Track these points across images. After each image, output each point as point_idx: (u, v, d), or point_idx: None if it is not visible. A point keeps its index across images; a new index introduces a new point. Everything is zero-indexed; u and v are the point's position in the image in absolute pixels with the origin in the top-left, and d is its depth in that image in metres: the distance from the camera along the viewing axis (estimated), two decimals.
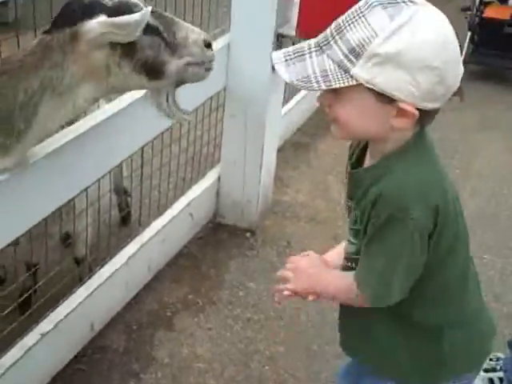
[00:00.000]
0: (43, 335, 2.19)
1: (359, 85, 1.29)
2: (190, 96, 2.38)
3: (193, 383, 2.38)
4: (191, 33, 1.75)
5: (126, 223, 3.12)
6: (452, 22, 1.33)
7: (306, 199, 3.54)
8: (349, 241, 1.53)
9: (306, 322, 2.70)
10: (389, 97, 1.30)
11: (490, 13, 5.24)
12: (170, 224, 2.86)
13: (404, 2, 1.27)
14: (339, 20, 1.31)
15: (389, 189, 1.36)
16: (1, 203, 1.78)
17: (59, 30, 1.63)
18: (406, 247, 1.37)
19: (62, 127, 1.95)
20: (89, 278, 2.45)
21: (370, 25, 1.26)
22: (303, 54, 1.34)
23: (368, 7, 1.27)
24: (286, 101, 3.88)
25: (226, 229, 3.23)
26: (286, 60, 1.35)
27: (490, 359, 2.40)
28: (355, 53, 1.27)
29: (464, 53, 5.21)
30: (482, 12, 5.25)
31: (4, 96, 1.64)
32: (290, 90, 3.98)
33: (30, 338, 2.17)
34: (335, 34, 1.30)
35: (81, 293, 2.38)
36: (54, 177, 1.96)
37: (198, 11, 2.85)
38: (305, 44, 1.35)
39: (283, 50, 1.37)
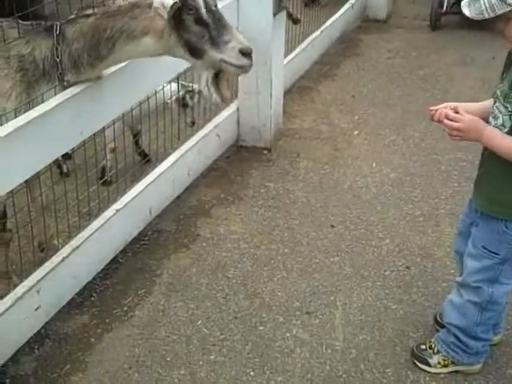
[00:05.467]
0: (118, 210, 2.96)
1: None
2: None
3: (230, 247, 3.13)
4: (234, 39, 2.27)
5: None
6: None
7: (310, 125, 4.28)
8: (494, 116, 2.13)
9: (315, 203, 3.45)
10: None
11: None
12: (202, 140, 3.62)
13: None
14: None
15: None
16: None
17: None
18: None
19: None
20: (145, 175, 3.22)
21: None
22: None
23: None
24: (289, 51, 4.64)
25: (247, 149, 3.99)
26: (469, 3, 1.99)
27: None
28: None
29: (445, 5, 5.94)
30: None
31: (98, 29, 2.35)
32: (292, 44, 4.75)
33: (108, 212, 2.94)
34: None
35: (141, 184, 3.15)
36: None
37: None
38: None
39: None
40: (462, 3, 2.03)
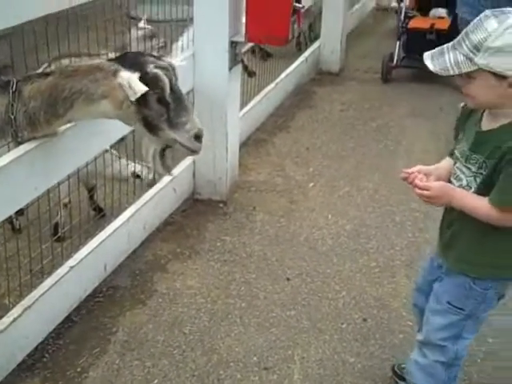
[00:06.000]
0: (71, 267, 2.91)
1: (480, 69, 1.91)
2: None
3: (186, 302, 3.10)
4: (190, 123, 2.31)
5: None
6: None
7: (266, 178, 4.31)
8: (457, 178, 2.14)
9: (271, 257, 3.45)
10: (502, 75, 1.91)
11: (414, 24, 6.15)
12: (158, 194, 3.61)
13: (510, 12, 1.91)
14: (467, 28, 1.94)
15: None
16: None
17: (112, 63, 2.32)
18: None
19: None
20: (100, 230, 3.19)
21: (486, 29, 1.89)
22: (443, 52, 1.96)
23: (485, 18, 1.91)
24: (244, 103, 4.70)
25: (203, 202, 3.98)
26: (432, 57, 1.98)
27: None
28: (476, 48, 1.90)
29: (395, 59, 6.12)
30: (407, 24, 6.16)
31: (56, 89, 2.32)
32: (247, 96, 4.82)
33: (61, 270, 2.89)
34: (464, 37, 1.94)
35: (96, 239, 3.11)
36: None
37: None
38: (444, 46, 1.98)
39: (431, 51, 2.00)
40: (425, 56, 2.01)
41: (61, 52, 3.18)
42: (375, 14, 8.17)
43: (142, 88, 2.19)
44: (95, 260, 3.09)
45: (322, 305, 3.09)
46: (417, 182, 2.14)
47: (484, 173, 2.05)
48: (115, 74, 2.26)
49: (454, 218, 2.19)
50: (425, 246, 3.54)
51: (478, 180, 2.08)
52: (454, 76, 1.98)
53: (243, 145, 4.56)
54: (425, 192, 2.11)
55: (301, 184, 4.23)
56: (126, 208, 3.44)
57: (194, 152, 2.40)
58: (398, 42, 6.15)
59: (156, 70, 2.26)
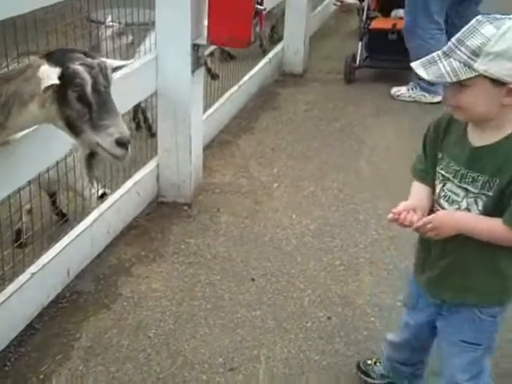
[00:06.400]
0: (33, 274, 2.88)
1: (479, 75, 1.84)
2: (125, 99, 3.18)
3: (151, 305, 3.09)
4: (114, 126, 2.16)
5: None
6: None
7: (231, 179, 4.32)
8: (450, 200, 2.02)
9: (236, 258, 3.45)
10: (500, 81, 1.84)
11: (376, 24, 6.21)
12: (121, 198, 3.59)
13: (504, 18, 1.85)
14: (458, 35, 1.88)
15: None
16: None
17: (40, 59, 2.21)
18: None
19: None
20: (63, 235, 3.16)
21: (483, 34, 1.83)
22: (435, 61, 1.90)
23: (479, 23, 1.85)
24: (208, 106, 4.70)
25: (168, 205, 3.97)
26: (423, 66, 1.91)
27: None
28: (475, 53, 1.83)
29: (358, 59, 6.17)
30: (369, 25, 6.21)
31: None
32: (211, 99, 4.82)
33: (23, 276, 2.85)
34: (457, 44, 1.87)
35: (59, 245, 3.09)
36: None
37: None
38: (434, 54, 1.91)
39: (420, 61, 1.93)
40: (414, 65, 1.94)
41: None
42: (338, 15, 8.21)
43: (52, 79, 2.10)
44: (58, 265, 3.06)
45: (287, 304, 3.10)
46: (414, 219, 2.02)
47: (490, 193, 1.94)
48: (39, 68, 2.18)
49: (450, 247, 2.04)
50: (388, 243, 3.57)
51: (482, 201, 1.96)
52: (447, 86, 1.94)
53: (207, 147, 4.56)
54: (428, 226, 1.99)
55: (265, 185, 4.24)
56: (89, 212, 3.41)
57: (116, 158, 2.24)
58: (360, 43, 6.18)
59: (77, 67, 2.16)
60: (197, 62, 3.81)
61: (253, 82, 5.70)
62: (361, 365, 2.68)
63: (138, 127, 4.89)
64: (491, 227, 1.95)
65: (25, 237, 3.31)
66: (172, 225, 3.77)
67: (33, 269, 2.91)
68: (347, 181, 4.27)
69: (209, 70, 5.55)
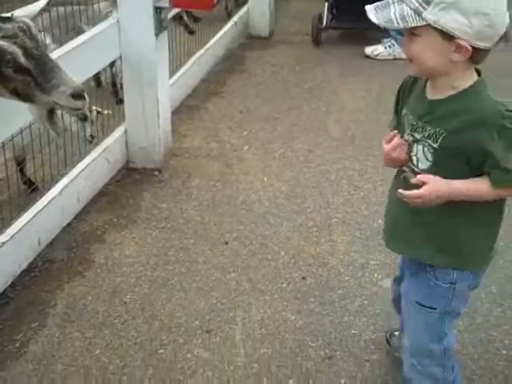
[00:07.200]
0: (3, 243, 2.84)
1: (428, 25, 1.74)
2: (88, 64, 3.11)
3: (126, 271, 3.07)
4: (62, 84, 2.15)
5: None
6: None
7: (201, 144, 4.29)
8: (417, 158, 1.93)
9: (208, 221, 3.45)
10: (450, 35, 1.73)
11: None
12: (91, 165, 3.54)
13: None
14: None
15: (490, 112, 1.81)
16: None
17: None
18: None
19: None
20: (33, 203, 3.12)
21: None
22: (388, 4, 1.79)
23: None
24: (174, 70, 4.64)
25: (138, 171, 3.94)
26: (375, 9, 1.81)
27: None
28: (427, 1, 1.72)
29: (324, 21, 6.12)
30: None
31: None
32: (177, 63, 4.76)
33: None
34: None
35: (28, 213, 3.04)
36: None
37: None
38: None
39: (374, 4, 1.82)
40: (368, 8, 1.84)
41: None
42: None
43: None
44: (28, 234, 3.03)
45: (261, 266, 3.11)
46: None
47: (435, 145, 1.88)
48: None
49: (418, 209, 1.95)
50: (360, 203, 3.59)
51: (430, 153, 1.90)
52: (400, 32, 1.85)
53: (176, 112, 4.51)
54: (420, 197, 1.89)
55: (236, 148, 4.22)
56: (58, 180, 3.37)
57: (77, 110, 2.26)
58: (325, 3, 6.13)
59: (1, 43, 2.10)
60: (160, 26, 3.74)
61: (219, 45, 5.64)
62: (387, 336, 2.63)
63: (99, 85, 4.86)
64: (479, 191, 1.87)
65: None
66: (143, 190, 3.74)
67: (2, 238, 2.87)
68: (317, 142, 4.27)
69: (186, 26, 5.50)
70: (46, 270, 3.06)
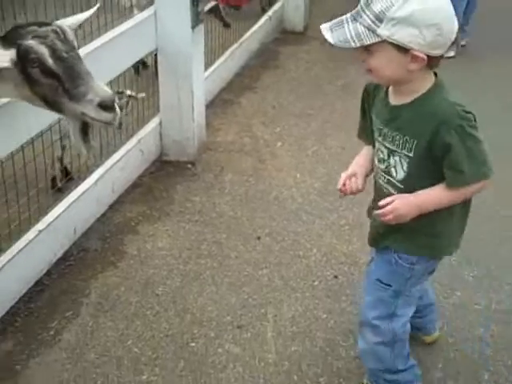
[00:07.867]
0: (40, 231, 2.88)
1: (383, 41, 1.78)
2: (125, 56, 3.11)
3: (158, 264, 3.10)
4: (91, 91, 2.04)
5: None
6: None
7: (234, 138, 4.29)
8: (381, 160, 2.03)
9: (241, 216, 3.46)
10: (404, 48, 1.79)
11: None
12: (125, 156, 3.57)
13: None
14: None
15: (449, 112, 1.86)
16: None
17: None
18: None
19: None
20: (69, 192, 3.15)
21: None
22: (342, 24, 1.84)
23: None
24: (209, 63, 4.65)
25: (171, 164, 3.96)
26: (331, 29, 1.85)
27: None
28: (379, 18, 1.76)
29: None
30: None
31: None
32: (212, 56, 4.77)
33: (30, 234, 2.85)
34: (364, 7, 1.79)
35: (64, 202, 3.08)
36: None
37: None
38: (343, 17, 1.85)
39: (329, 23, 1.87)
40: (323, 27, 1.88)
41: None
42: None
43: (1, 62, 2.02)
44: (64, 223, 3.06)
45: (293, 263, 3.12)
46: (358, 185, 2.13)
47: (410, 154, 1.93)
48: None
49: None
50: None
51: (406, 162, 1.96)
52: (355, 50, 1.85)
53: (210, 105, 4.52)
54: (391, 215, 1.95)
55: (269, 143, 4.22)
56: (93, 171, 3.40)
57: (107, 124, 2.12)
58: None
59: (28, 42, 2.05)
60: (196, 18, 3.75)
61: (253, 39, 5.64)
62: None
63: (138, 72, 4.90)
64: (442, 195, 1.94)
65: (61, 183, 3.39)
66: (176, 183, 3.76)
67: (40, 226, 2.91)
68: (350, 139, 4.25)
69: (221, 18, 5.51)
70: (80, 259, 3.10)
